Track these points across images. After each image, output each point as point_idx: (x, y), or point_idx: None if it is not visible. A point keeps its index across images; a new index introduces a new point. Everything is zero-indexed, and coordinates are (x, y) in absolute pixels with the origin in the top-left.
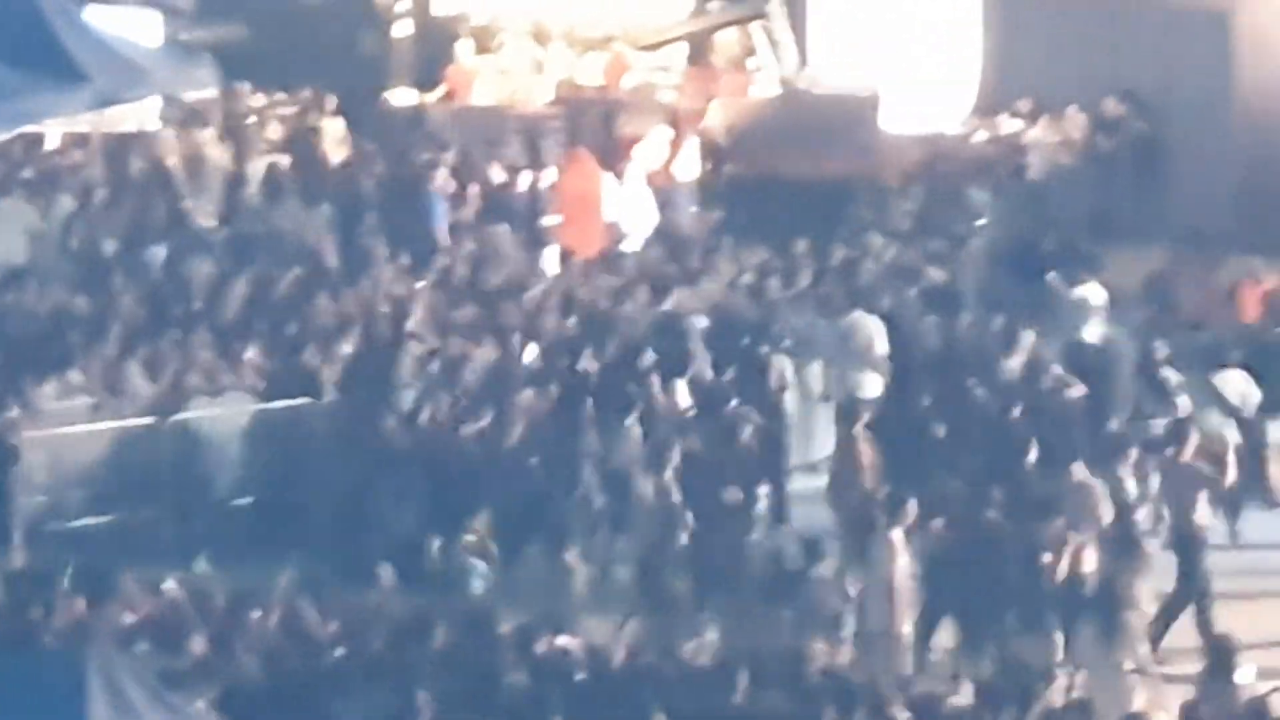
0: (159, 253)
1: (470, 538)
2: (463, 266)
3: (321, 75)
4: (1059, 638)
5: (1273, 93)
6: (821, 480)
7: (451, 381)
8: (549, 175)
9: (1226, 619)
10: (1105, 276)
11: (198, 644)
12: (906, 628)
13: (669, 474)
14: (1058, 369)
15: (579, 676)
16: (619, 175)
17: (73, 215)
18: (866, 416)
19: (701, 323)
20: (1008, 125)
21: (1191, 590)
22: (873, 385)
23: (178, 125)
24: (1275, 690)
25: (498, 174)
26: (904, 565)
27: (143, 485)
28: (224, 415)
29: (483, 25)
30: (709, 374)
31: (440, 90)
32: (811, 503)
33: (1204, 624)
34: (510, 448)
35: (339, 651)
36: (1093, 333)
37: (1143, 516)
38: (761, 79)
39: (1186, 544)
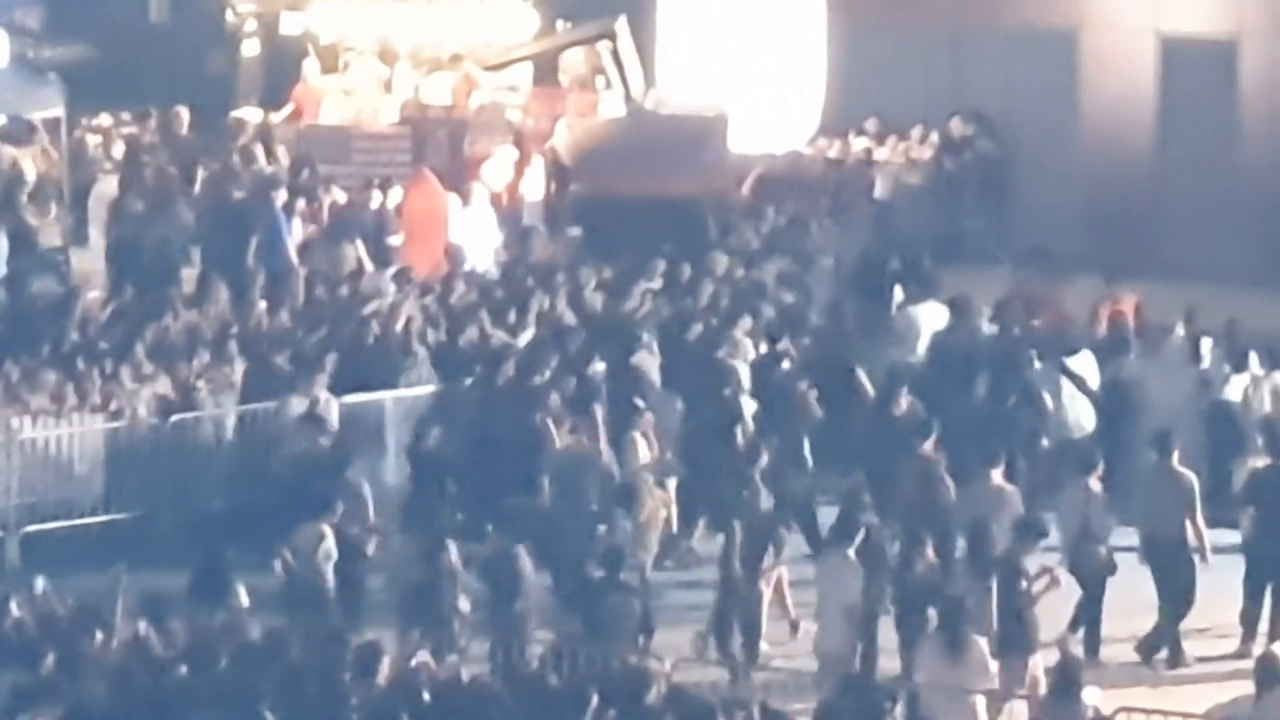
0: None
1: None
2: (309, 285)
3: (169, 94)
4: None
5: (1117, 113)
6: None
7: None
8: (395, 194)
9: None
10: (953, 295)
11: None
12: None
13: None
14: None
15: (430, 695)
16: (465, 195)
17: None
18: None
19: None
20: (854, 145)
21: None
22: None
23: (20, 144)
24: (1121, 711)
25: (344, 193)
26: None
27: None
28: (70, 433)
29: (329, 45)
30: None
31: (287, 109)
32: None
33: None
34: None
35: (184, 671)
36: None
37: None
38: (608, 99)
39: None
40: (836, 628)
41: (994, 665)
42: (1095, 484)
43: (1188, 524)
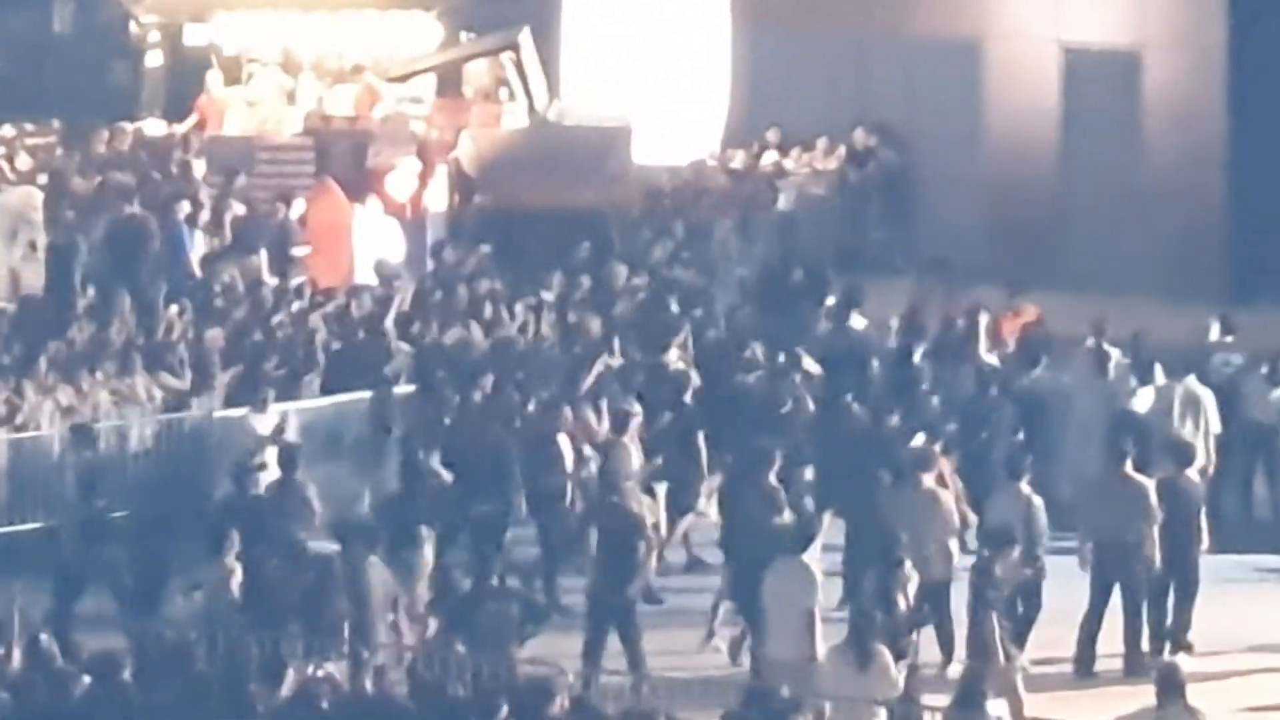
0: None
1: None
2: (213, 296)
3: (73, 106)
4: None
5: (1021, 123)
6: None
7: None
8: (298, 206)
9: None
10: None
11: None
12: None
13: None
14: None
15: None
16: (368, 206)
17: None
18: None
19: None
20: (759, 156)
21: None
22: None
23: None
24: None
25: (247, 204)
26: None
27: None
28: None
29: (233, 56)
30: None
31: (191, 120)
32: None
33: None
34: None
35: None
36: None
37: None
38: (512, 110)
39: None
40: (789, 635)
41: (899, 675)
42: (1026, 489)
43: (1144, 532)
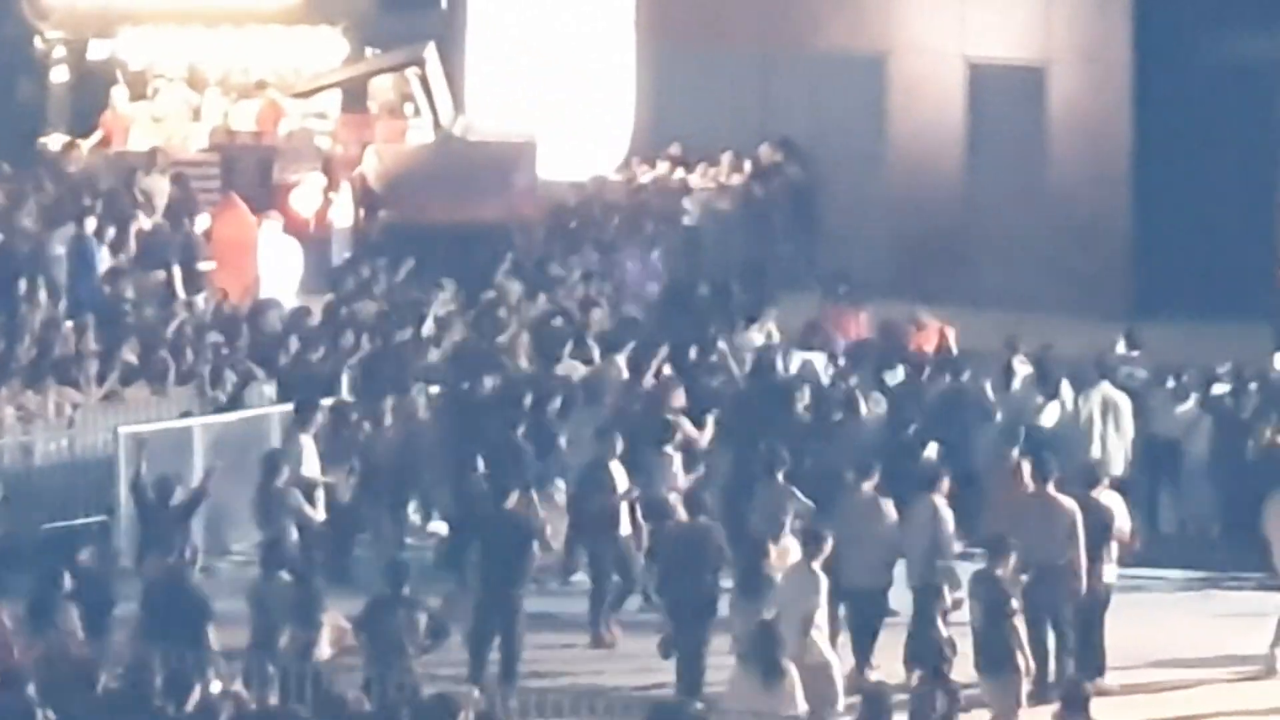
0: None
1: None
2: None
3: None
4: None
5: (926, 138)
6: None
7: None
8: (203, 221)
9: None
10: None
11: None
12: None
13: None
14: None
15: None
16: (274, 221)
17: None
18: None
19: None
20: (664, 171)
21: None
22: None
23: None
24: None
25: (153, 220)
26: None
27: None
28: None
29: (138, 71)
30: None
31: (96, 136)
32: None
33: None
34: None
35: None
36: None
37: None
38: (417, 125)
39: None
40: (795, 639)
41: (800, 695)
42: (940, 501)
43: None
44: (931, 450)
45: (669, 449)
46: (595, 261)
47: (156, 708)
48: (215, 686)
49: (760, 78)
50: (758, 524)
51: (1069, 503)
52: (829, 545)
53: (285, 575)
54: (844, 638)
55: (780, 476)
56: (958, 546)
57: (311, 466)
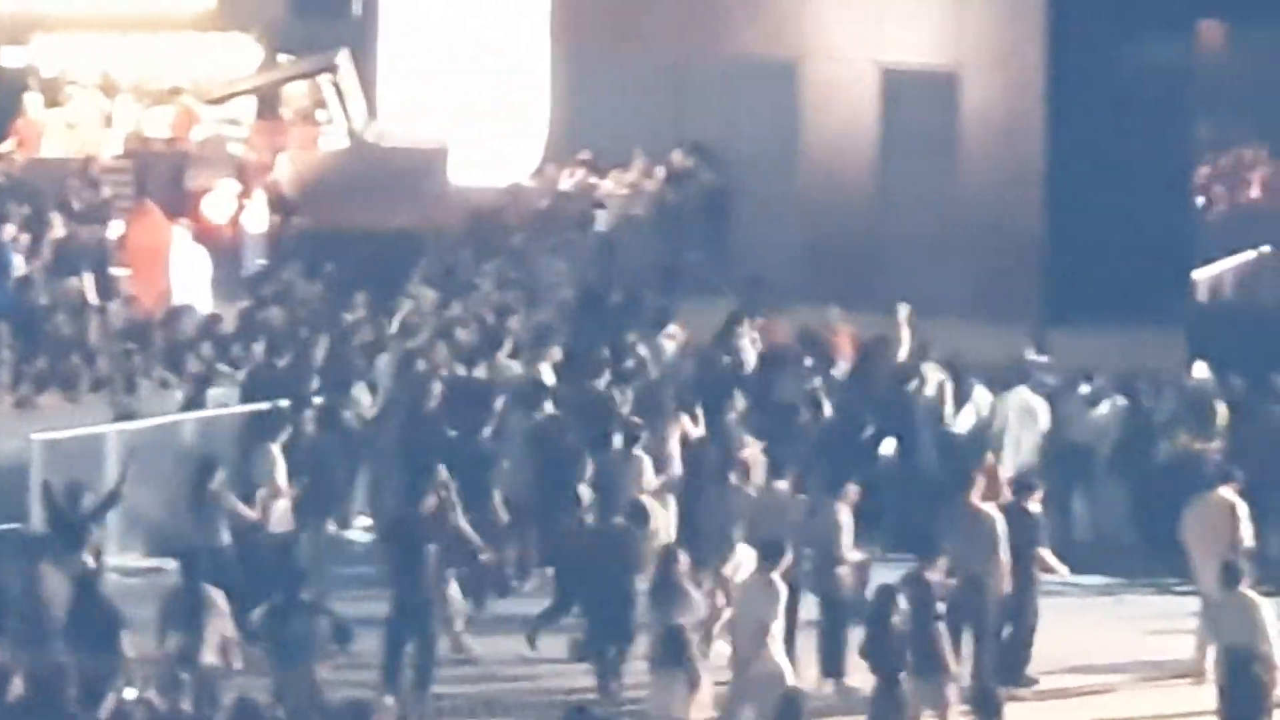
0: None
1: None
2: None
3: None
4: None
5: (839, 144)
6: None
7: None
8: (117, 227)
9: None
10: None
11: None
12: None
13: None
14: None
15: None
16: (187, 227)
17: None
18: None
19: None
20: (577, 177)
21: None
22: None
23: None
24: None
25: (66, 226)
26: None
27: None
28: None
29: (51, 78)
30: None
31: (9, 143)
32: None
33: None
34: None
35: None
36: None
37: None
38: (330, 132)
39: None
40: (750, 648)
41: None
42: (844, 506)
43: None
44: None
45: (638, 450)
46: (509, 267)
47: (69, 715)
48: (129, 693)
49: (674, 83)
50: (707, 529)
51: (990, 512)
52: (788, 556)
53: (199, 583)
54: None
55: (733, 479)
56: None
57: (281, 476)
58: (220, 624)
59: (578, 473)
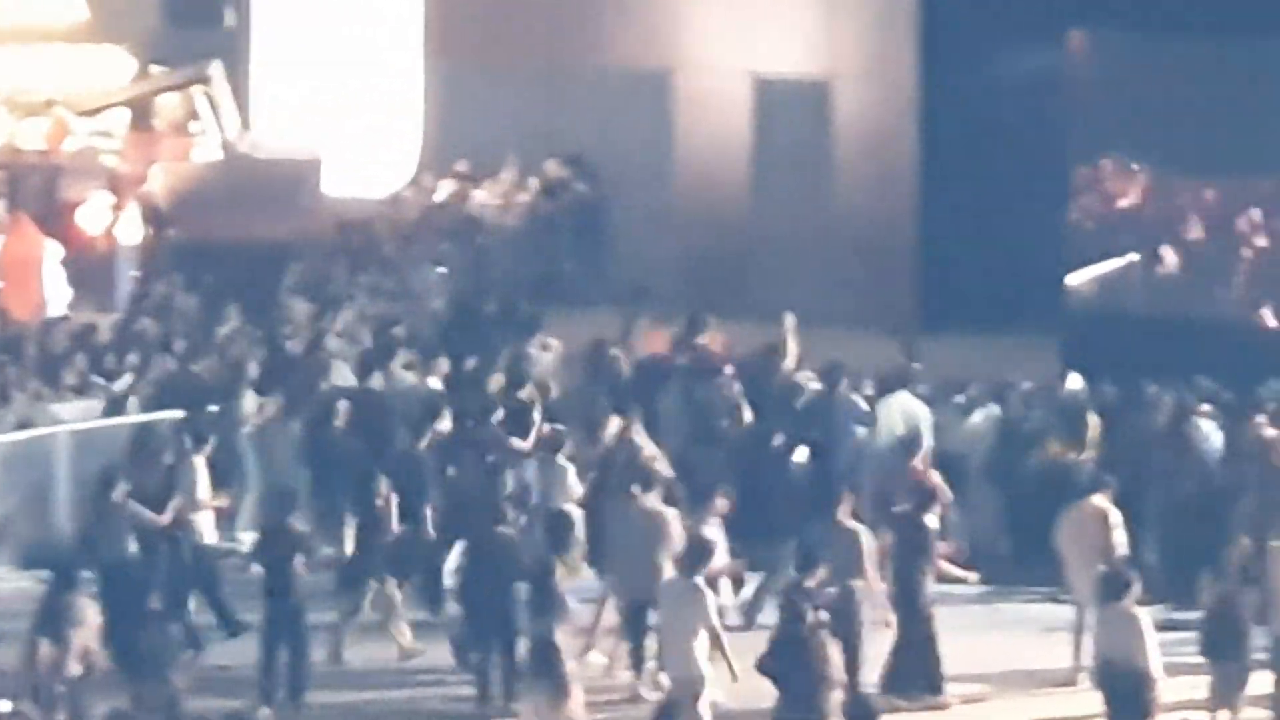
0: None
1: None
2: None
3: None
4: None
5: (712, 154)
6: None
7: None
8: None
9: None
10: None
11: None
12: None
13: None
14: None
15: None
16: (60, 239)
17: None
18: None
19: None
20: (451, 188)
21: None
22: None
23: None
24: None
25: None
26: None
27: None
28: None
29: None
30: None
31: None
32: None
33: None
34: None
35: None
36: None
37: None
38: (203, 143)
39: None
40: (683, 653)
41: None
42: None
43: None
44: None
45: (561, 459)
46: (382, 278)
47: None
48: (3, 705)
49: (548, 94)
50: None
51: (854, 529)
52: (714, 558)
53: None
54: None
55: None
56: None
57: (204, 488)
58: (84, 634)
59: (499, 484)
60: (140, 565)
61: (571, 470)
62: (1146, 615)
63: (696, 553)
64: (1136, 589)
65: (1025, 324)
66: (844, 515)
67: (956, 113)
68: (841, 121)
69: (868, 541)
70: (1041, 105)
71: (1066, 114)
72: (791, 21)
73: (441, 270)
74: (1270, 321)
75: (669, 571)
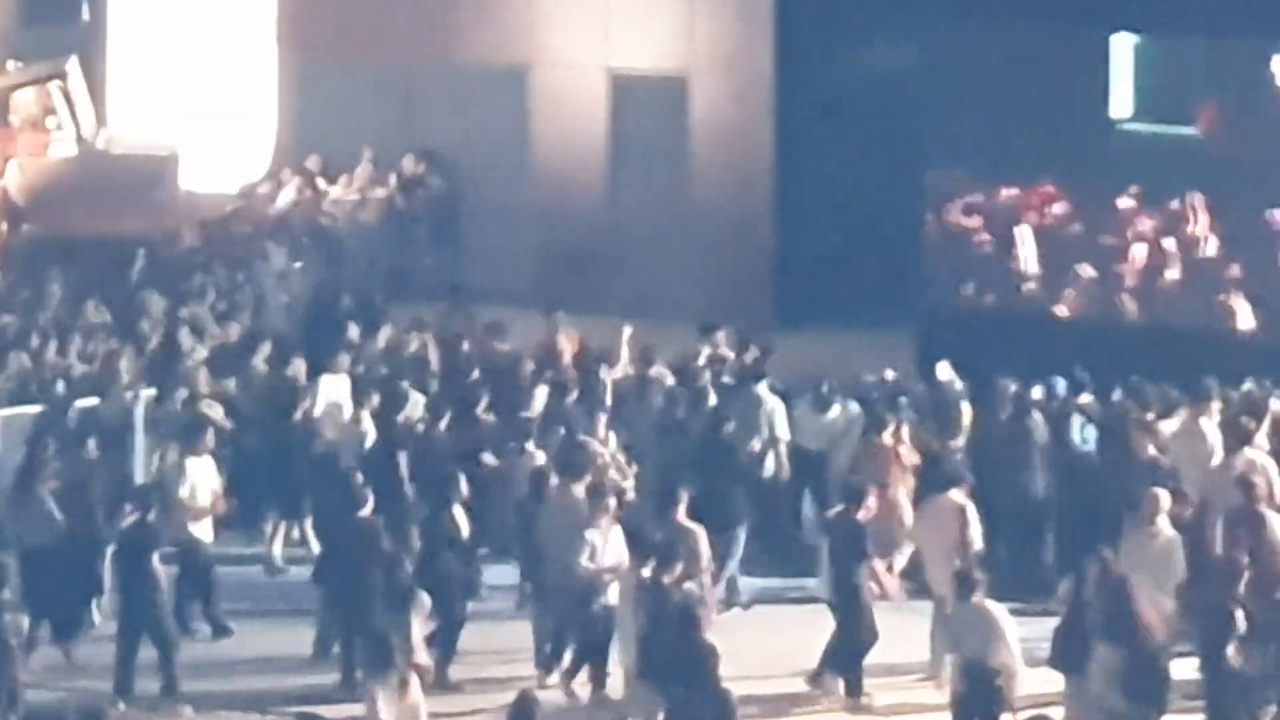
0: None
1: None
2: None
3: None
4: None
5: (569, 150)
6: None
7: None
8: None
9: None
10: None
11: None
12: None
13: None
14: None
15: None
16: None
17: None
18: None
19: None
20: (307, 183)
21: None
22: None
23: None
24: None
25: None
26: None
27: None
28: None
29: None
30: None
31: None
32: None
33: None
34: None
35: None
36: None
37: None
38: (60, 139)
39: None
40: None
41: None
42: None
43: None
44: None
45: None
46: (238, 274)
47: None
48: None
49: (404, 90)
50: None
51: (692, 528)
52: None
53: None
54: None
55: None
56: None
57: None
58: None
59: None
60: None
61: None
62: (1002, 610)
63: (649, 547)
64: (984, 585)
65: (883, 319)
66: (680, 515)
67: (813, 109)
68: (698, 118)
69: (703, 542)
70: (900, 100)
71: (923, 109)
72: (648, 18)
73: (296, 265)
74: (1132, 315)
75: None
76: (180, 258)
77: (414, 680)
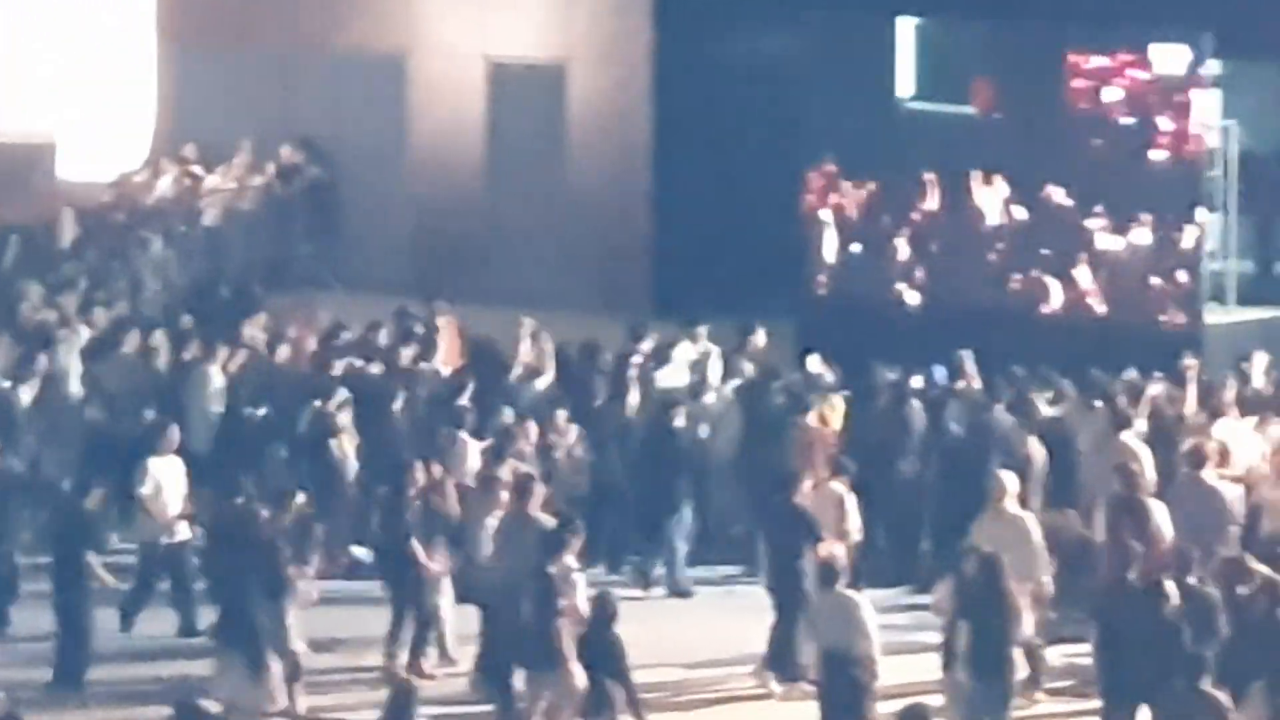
0: None
1: None
2: None
3: None
4: None
5: (447, 137)
6: None
7: None
8: None
9: None
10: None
11: None
12: None
13: None
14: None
15: None
16: None
17: None
18: None
19: None
20: (184, 171)
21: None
22: None
23: None
24: None
25: None
26: None
27: None
28: None
29: None
30: None
31: None
32: None
33: None
34: None
35: None
36: None
37: None
38: None
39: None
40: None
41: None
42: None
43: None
44: None
45: (464, 434)
46: (115, 262)
47: None
48: None
49: (281, 77)
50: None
51: (540, 520)
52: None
53: None
54: None
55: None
56: None
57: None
58: None
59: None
60: None
61: (474, 445)
62: (863, 599)
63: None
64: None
65: (762, 308)
66: (534, 508)
67: (691, 97)
68: (576, 105)
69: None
70: (779, 90)
71: (801, 98)
72: (526, 5)
73: (169, 254)
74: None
75: None
76: (56, 246)
77: (275, 667)
